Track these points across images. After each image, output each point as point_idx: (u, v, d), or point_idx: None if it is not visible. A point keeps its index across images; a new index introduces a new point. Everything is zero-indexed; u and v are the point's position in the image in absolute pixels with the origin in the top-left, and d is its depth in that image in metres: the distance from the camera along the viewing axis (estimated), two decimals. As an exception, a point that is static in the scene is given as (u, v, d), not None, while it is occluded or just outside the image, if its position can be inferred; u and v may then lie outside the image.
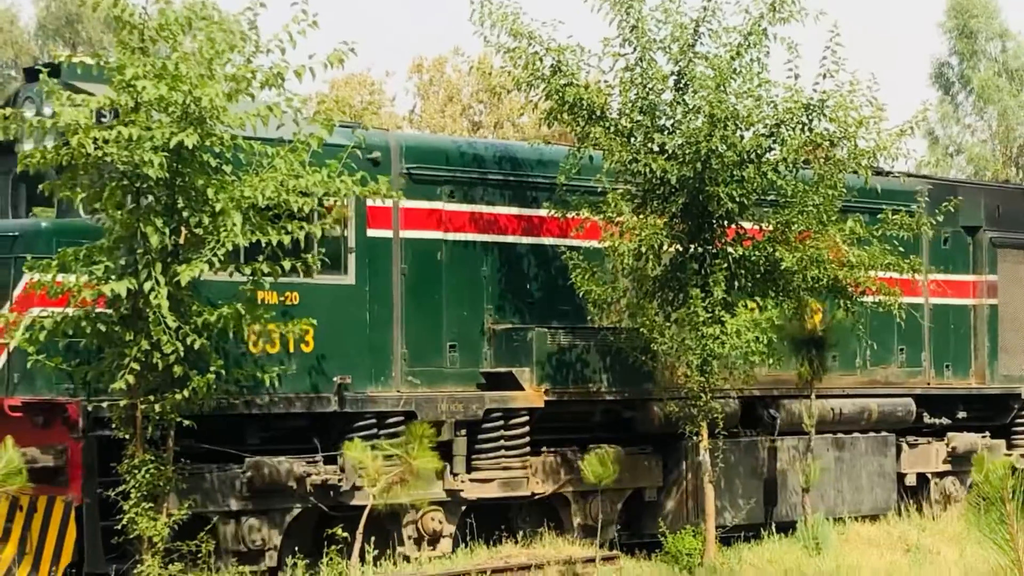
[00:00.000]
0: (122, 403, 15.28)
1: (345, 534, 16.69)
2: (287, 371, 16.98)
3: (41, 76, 15.30)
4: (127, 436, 15.39)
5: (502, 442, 18.78)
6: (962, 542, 20.85)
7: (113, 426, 15.46)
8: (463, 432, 18.50)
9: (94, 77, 15.57)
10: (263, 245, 15.59)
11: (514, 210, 19.59)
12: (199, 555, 15.79)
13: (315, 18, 15.71)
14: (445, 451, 18.31)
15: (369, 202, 17.58)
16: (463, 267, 19.08)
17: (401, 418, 17.78)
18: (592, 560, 18.29)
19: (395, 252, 18.39)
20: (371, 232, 18.04)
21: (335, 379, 17.37)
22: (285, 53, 15.69)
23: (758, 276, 19.22)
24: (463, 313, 19.02)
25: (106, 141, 14.81)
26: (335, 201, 16.78)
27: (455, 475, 18.42)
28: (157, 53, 15.44)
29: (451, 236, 19.00)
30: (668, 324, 18.68)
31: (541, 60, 19.08)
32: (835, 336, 21.44)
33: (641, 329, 18.82)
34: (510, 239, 19.56)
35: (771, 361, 19.20)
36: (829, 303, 20.72)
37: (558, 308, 19.64)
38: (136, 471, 15.26)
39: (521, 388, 18.97)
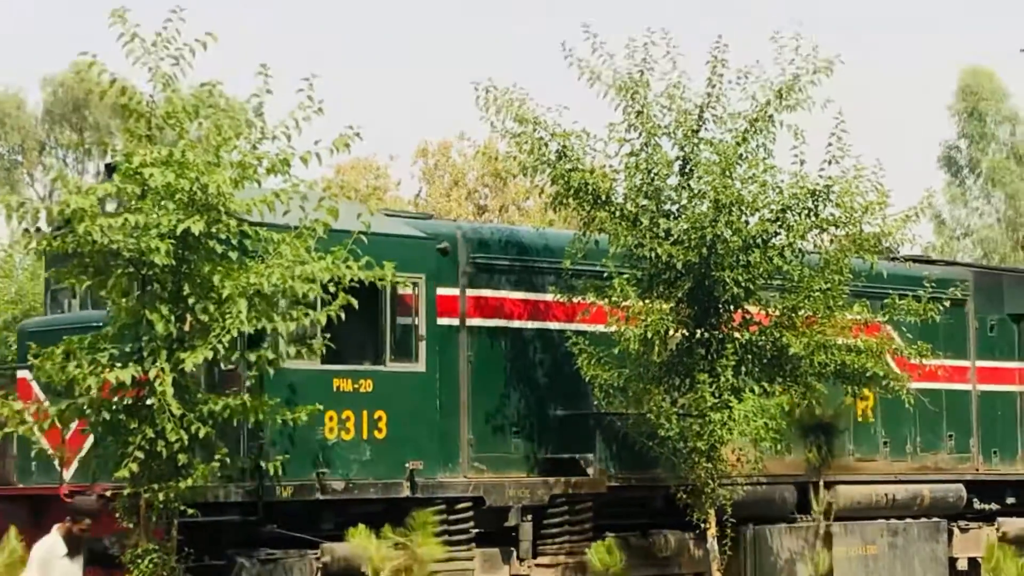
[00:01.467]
0: (126, 492, 15.19)
1: None
2: (362, 458, 17.27)
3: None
4: (131, 525, 15.29)
5: (567, 527, 18.97)
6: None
7: (117, 515, 15.37)
8: (529, 517, 18.70)
9: None
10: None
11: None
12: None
13: (320, 105, 15.76)
14: (512, 536, 18.66)
15: (439, 291, 18.04)
16: (525, 354, 19.40)
17: (470, 503, 18.05)
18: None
19: (462, 340, 18.78)
20: (440, 320, 18.36)
21: (407, 465, 17.58)
22: (291, 139, 15.74)
23: (765, 361, 19.17)
24: (526, 400, 19.33)
25: (111, 227, 14.82)
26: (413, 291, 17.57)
27: (521, 560, 18.65)
28: (164, 139, 15.47)
29: (514, 324, 19.35)
30: (674, 410, 18.62)
31: (547, 145, 19.14)
32: (881, 422, 21.84)
33: (648, 415, 18.75)
34: (571, 326, 19.61)
35: (779, 447, 19.16)
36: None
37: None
38: (139, 560, 15.14)
39: (585, 474, 19.11)
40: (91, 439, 15.99)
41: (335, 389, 17.01)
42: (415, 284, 17.35)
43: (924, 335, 20.78)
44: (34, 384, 16.88)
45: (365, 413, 17.20)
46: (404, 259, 16.82)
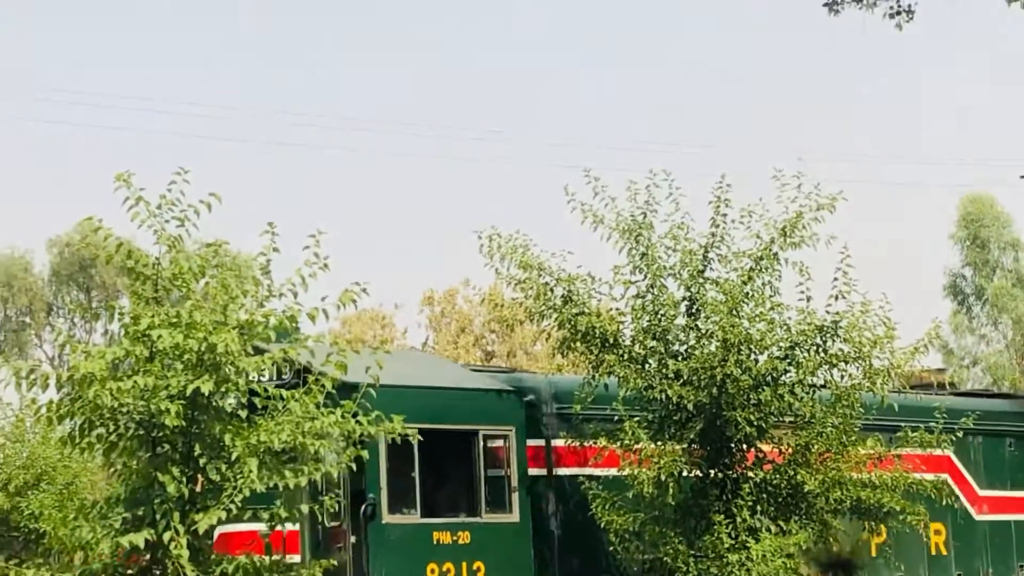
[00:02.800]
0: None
1: None
2: None
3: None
4: None
5: None
6: None
7: None
8: None
9: None
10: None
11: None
12: None
13: (326, 260, 15.79)
14: None
15: (529, 442, 18.78)
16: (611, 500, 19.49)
17: None
18: None
19: (551, 489, 19.34)
20: (531, 471, 19.02)
21: None
22: (297, 296, 15.75)
23: (780, 500, 19.04)
24: (615, 546, 19.31)
25: (120, 390, 14.79)
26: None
27: None
28: (170, 298, 15.50)
29: (599, 472, 19.51)
30: (691, 553, 18.45)
31: (552, 290, 19.19)
32: (954, 554, 22.34)
33: (664, 559, 18.58)
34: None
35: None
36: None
37: None
38: None
39: None
40: None
41: (435, 542, 17.71)
42: (505, 436, 18.33)
43: (991, 467, 21.21)
44: None
45: (464, 564, 17.88)
46: (495, 412, 18.14)
